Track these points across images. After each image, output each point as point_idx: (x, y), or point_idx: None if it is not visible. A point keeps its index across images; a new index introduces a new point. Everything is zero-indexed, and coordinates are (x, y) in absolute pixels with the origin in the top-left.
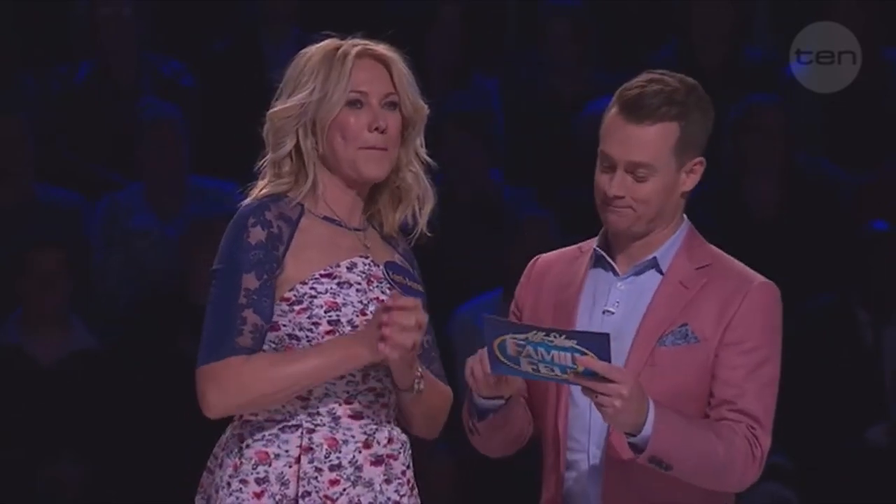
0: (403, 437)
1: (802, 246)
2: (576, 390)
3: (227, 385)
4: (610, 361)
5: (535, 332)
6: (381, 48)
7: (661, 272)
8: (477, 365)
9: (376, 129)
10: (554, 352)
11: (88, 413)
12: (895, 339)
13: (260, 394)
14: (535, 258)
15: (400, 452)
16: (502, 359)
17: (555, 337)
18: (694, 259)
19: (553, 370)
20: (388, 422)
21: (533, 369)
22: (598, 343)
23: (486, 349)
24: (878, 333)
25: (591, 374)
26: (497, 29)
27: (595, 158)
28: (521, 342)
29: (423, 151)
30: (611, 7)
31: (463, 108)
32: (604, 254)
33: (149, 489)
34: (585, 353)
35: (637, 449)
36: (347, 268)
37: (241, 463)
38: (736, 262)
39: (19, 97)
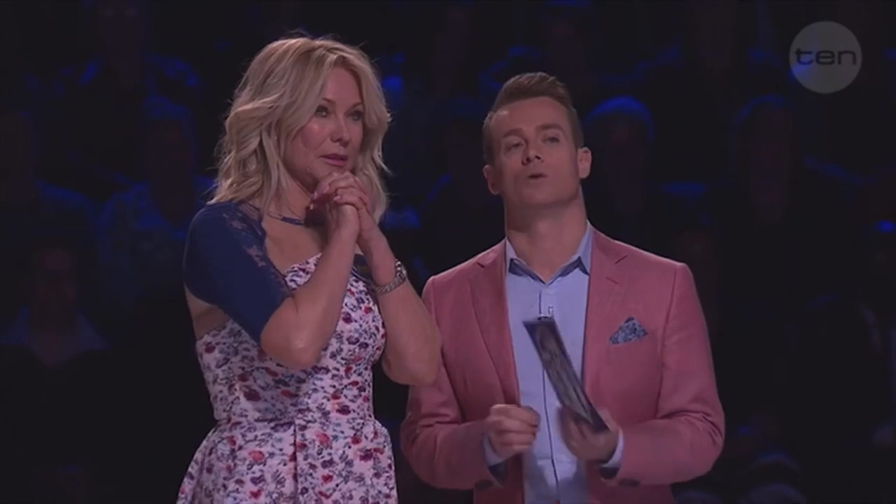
0: (385, 430)
1: (809, 247)
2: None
3: (301, 319)
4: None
5: (570, 372)
6: (355, 58)
7: (585, 272)
8: (502, 419)
9: (339, 140)
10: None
11: (94, 414)
12: None
13: (327, 309)
14: (430, 281)
15: (384, 446)
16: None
17: (577, 385)
18: (610, 254)
19: (564, 386)
20: (370, 415)
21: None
22: (597, 426)
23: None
24: (884, 334)
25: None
26: (504, 31)
27: (598, 159)
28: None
29: (378, 157)
30: (615, 9)
31: (470, 111)
32: (522, 262)
33: (155, 490)
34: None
35: (607, 473)
36: (315, 264)
37: (235, 465)
38: (643, 251)
39: (25, 98)
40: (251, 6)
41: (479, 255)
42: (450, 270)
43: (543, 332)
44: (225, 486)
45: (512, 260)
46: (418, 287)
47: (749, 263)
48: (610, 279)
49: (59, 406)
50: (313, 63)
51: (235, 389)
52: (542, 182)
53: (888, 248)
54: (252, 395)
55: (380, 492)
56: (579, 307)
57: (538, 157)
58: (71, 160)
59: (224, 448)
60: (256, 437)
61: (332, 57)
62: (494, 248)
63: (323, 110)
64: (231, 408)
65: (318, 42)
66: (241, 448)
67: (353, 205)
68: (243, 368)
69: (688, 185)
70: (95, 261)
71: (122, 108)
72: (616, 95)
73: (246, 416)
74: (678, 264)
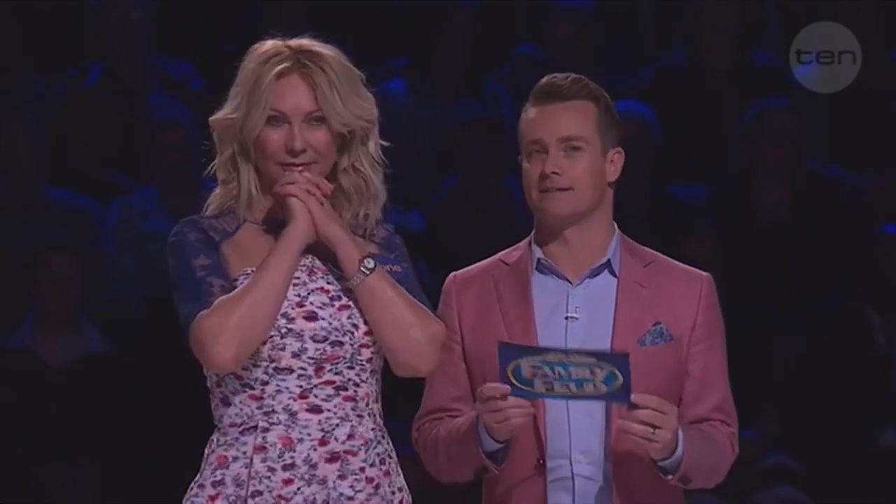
0: (370, 434)
1: (814, 249)
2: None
3: (214, 326)
4: (630, 378)
5: (552, 353)
6: (310, 63)
7: (614, 274)
8: (495, 400)
9: (290, 150)
10: (572, 368)
11: (100, 416)
12: None
13: (245, 314)
14: (451, 276)
15: (360, 449)
16: (516, 383)
17: (573, 356)
18: (638, 258)
19: (569, 386)
20: (359, 416)
21: (547, 388)
22: (619, 362)
23: (500, 376)
24: (890, 336)
25: (614, 393)
26: (507, 31)
27: None
28: (538, 364)
29: (376, 151)
30: (618, 10)
31: (475, 114)
32: (550, 261)
33: (161, 492)
34: (603, 369)
35: (666, 471)
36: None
37: (204, 469)
38: (667, 257)
39: (29, 99)
40: (255, 8)
41: (503, 253)
42: (472, 266)
43: (508, 357)
44: (189, 489)
45: (539, 259)
46: (426, 289)
47: (752, 265)
48: (638, 283)
49: (63, 408)
50: (266, 72)
51: (214, 396)
52: (558, 196)
53: (894, 251)
54: (225, 401)
55: (342, 494)
56: (607, 309)
57: (555, 173)
58: (75, 162)
59: (206, 454)
60: (226, 441)
61: (280, 67)
62: (518, 245)
63: (276, 119)
64: (214, 414)
65: (283, 45)
66: (212, 452)
67: (295, 196)
68: (217, 375)
69: (691, 188)
70: (100, 263)
71: (126, 110)
72: (620, 97)
73: (222, 421)
74: (703, 273)
